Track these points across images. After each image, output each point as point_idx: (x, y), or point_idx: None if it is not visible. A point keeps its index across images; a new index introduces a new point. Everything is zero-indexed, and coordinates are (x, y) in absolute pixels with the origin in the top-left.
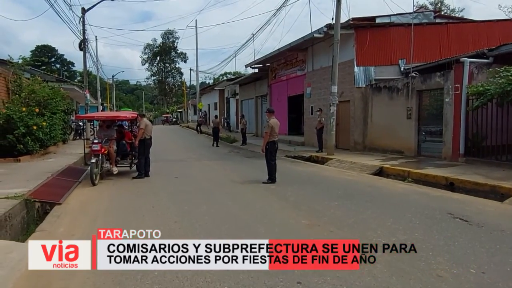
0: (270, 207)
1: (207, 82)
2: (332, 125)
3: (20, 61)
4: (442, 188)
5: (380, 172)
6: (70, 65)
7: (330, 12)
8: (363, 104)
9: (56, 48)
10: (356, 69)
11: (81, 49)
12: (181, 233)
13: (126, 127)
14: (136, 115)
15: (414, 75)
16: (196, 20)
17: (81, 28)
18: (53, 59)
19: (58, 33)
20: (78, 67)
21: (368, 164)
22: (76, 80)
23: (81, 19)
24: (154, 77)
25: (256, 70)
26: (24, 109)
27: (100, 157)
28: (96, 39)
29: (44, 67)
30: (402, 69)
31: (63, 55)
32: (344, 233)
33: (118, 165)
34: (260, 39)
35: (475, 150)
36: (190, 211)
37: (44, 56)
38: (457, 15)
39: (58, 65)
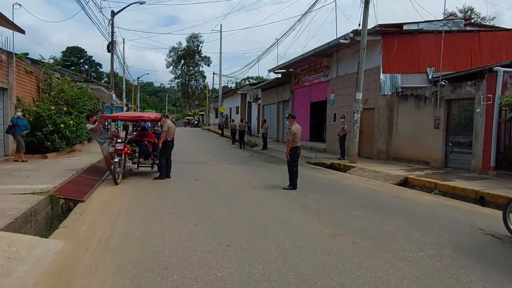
0: (291, 214)
1: (229, 86)
2: (355, 133)
3: (51, 61)
4: (471, 202)
5: (405, 183)
6: (97, 67)
7: (355, 18)
8: (388, 112)
9: (85, 50)
10: (382, 76)
11: (109, 51)
12: (201, 237)
13: (148, 128)
14: (159, 116)
15: (444, 83)
16: (221, 25)
17: (110, 30)
18: (82, 60)
19: (87, 35)
20: (105, 68)
21: (392, 173)
22: (103, 81)
23: (110, 21)
24: (178, 80)
25: (279, 75)
26: (53, 107)
27: (123, 157)
28: (124, 41)
29: (73, 68)
30: (430, 77)
31: (91, 56)
32: (369, 245)
33: (140, 165)
34: (283, 44)
35: (506, 163)
36: (210, 215)
37: (74, 56)
38: (488, 23)
39: (86, 66)
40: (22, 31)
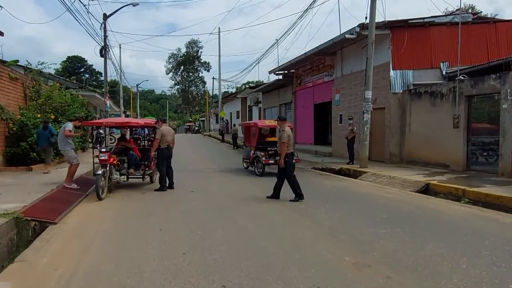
0: (302, 235)
1: (229, 91)
2: (365, 135)
3: (39, 67)
4: (509, 212)
5: (426, 190)
6: (98, 75)
7: (357, 19)
8: (400, 111)
9: (85, 59)
10: (392, 73)
11: (102, 56)
12: (190, 272)
13: (146, 135)
14: (155, 122)
15: (462, 78)
16: (219, 28)
17: (102, 34)
18: (82, 70)
19: (88, 45)
20: None
21: (411, 179)
22: (103, 90)
23: (102, 25)
24: (178, 86)
25: (280, 77)
26: (38, 115)
27: (108, 168)
28: (120, 47)
29: (74, 77)
30: (444, 72)
31: (92, 65)
32: (408, 281)
33: (130, 176)
34: (282, 47)
35: None
36: (204, 238)
37: (63, 62)
38: None
39: (87, 75)
40: (1, 33)
